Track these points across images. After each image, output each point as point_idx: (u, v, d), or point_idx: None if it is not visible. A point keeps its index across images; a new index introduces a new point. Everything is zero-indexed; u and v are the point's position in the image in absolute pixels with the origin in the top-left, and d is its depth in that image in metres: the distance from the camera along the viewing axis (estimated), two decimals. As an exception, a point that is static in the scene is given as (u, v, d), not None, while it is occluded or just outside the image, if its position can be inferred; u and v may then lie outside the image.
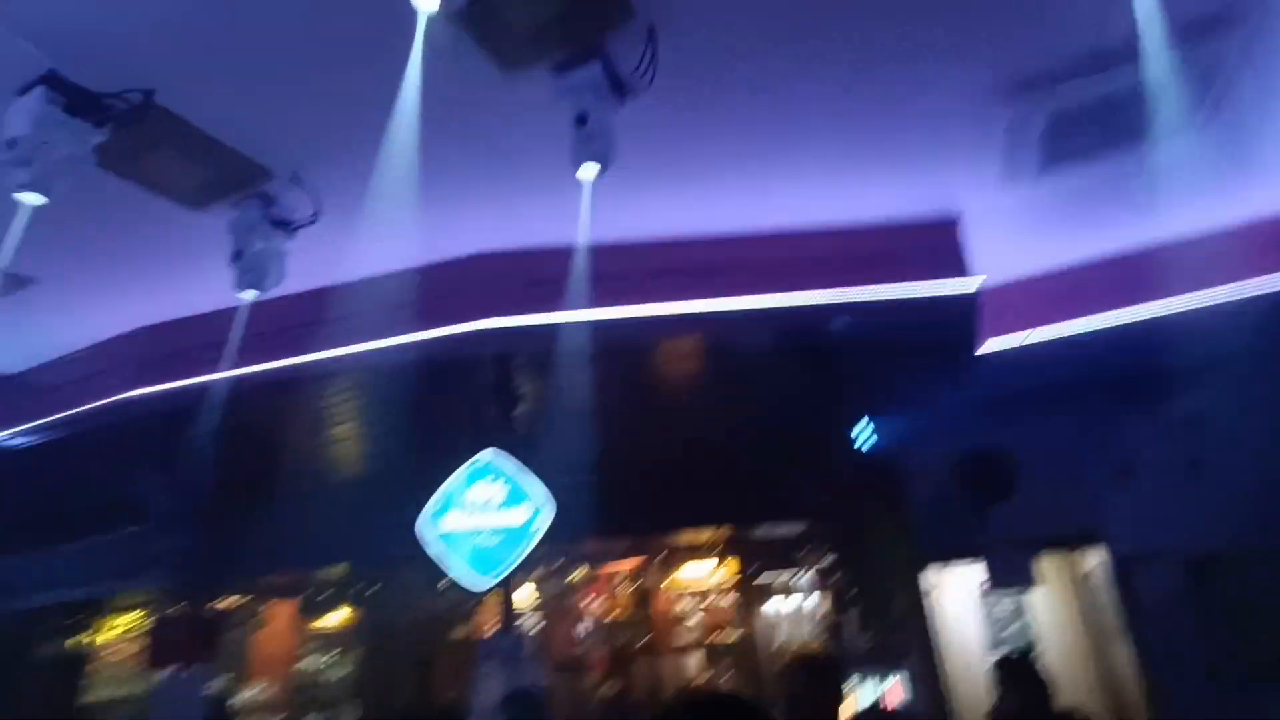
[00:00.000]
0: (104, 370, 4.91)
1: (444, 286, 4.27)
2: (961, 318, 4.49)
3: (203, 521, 5.58)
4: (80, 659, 6.90)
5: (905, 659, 5.01)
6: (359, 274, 4.42)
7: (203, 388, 4.48)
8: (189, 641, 4.91)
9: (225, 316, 4.39)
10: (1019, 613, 6.44)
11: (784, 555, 6.14)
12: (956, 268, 4.28)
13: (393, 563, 6.11)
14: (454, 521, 4.13)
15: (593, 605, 7.27)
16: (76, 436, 5.04)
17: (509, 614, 4.41)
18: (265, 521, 5.80)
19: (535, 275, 4.22)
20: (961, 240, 4.30)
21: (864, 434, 5.65)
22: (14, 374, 5.37)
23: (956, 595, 6.45)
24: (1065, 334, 4.98)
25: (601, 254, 4.26)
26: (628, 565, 6.84)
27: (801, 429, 5.54)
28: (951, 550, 5.89)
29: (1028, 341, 5.03)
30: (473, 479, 4.21)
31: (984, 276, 4.34)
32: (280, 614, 7.42)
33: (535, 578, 6.05)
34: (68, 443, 5.12)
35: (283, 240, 3.46)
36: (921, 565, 5.67)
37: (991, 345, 5.04)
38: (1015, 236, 4.60)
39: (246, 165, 3.21)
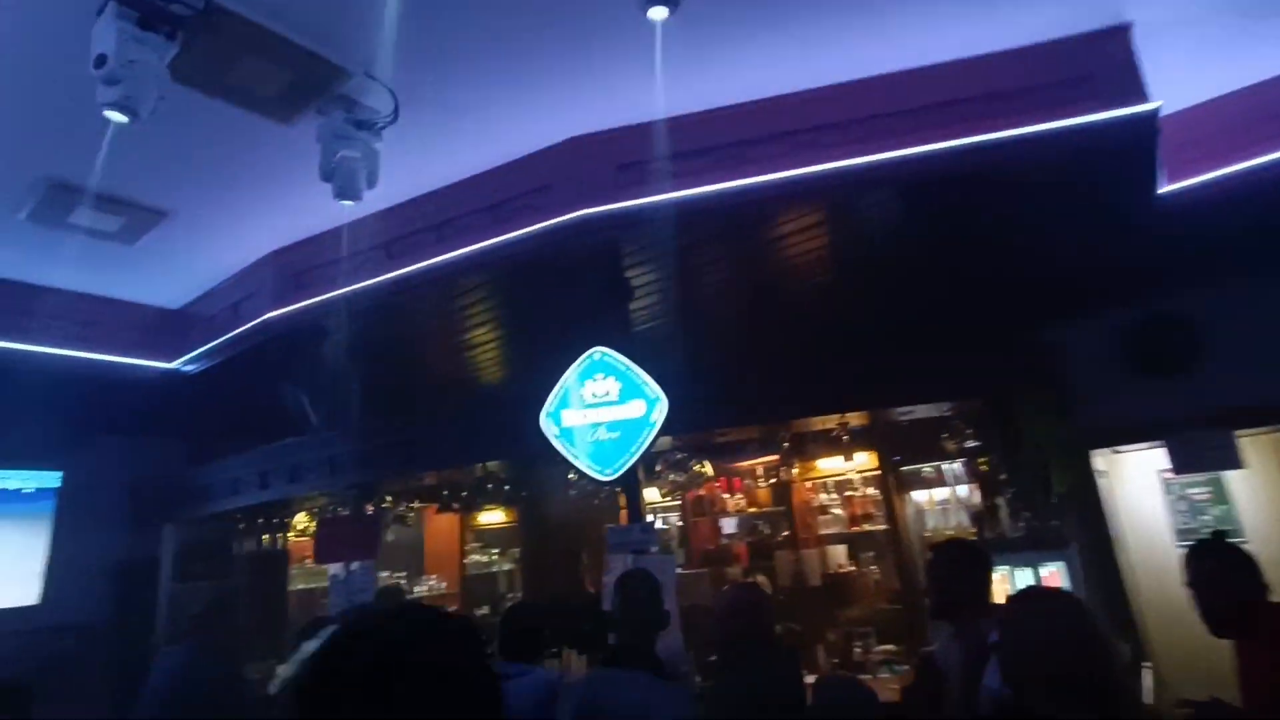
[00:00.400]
0: (248, 295, 5.25)
1: (537, 178, 4.10)
2: (1135, 154, 3.72)
3: (353, 428, 5.96)
4: (280, 555, 7.79)
5: (1066, 547, 4.54)
6: (455, 177, 4.37)
7: (330, 303, 4.67)
8: (350, 540, 5.32)
9: (340, 233, 4.53)
10: (1218, 499, 5.67)
11: (928, 440, 5.70)
12: (1127, 91, 3.51)
13: (531, 461, 6.30)
14: (571, 417, 4.12)
15: (732, 498, 7.26)
16: (237, 358, 5.45)
17: (636, 506, 4.40)
18: (410, 426, 6.13)
19: (632, 156, 3.96)
20: (1133, 56, 3.54)
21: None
22: (178, 308, 5.91)
23: (1137, 479, 5.80)
24: (1268, 168, 4.04)
25: (700, 123, 3.93)
26: (765, 457, 6.67)
27: (944, 300, 5.00)
28: (1124, 431, 5.21)
29: (1220, 178, 4.17)
30: (585, 376, 4.15)
31: (1162, 101, 3.57)
32: (443, 515, 7.96)
33: (668, 469, 6.00)
34: (231, 364, 5.57)
35: (369, 142, 3.40)
36: (1085, 447, 5.07)
37: (1174, 187, 4.23)
38: (1203, 46, 3.73)
39: (320, 64, 3.13)
